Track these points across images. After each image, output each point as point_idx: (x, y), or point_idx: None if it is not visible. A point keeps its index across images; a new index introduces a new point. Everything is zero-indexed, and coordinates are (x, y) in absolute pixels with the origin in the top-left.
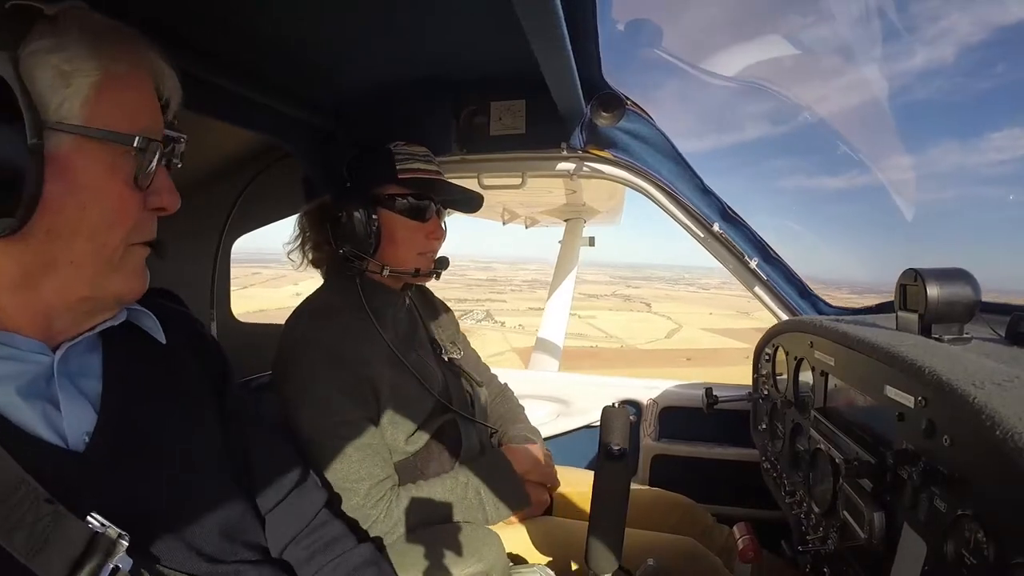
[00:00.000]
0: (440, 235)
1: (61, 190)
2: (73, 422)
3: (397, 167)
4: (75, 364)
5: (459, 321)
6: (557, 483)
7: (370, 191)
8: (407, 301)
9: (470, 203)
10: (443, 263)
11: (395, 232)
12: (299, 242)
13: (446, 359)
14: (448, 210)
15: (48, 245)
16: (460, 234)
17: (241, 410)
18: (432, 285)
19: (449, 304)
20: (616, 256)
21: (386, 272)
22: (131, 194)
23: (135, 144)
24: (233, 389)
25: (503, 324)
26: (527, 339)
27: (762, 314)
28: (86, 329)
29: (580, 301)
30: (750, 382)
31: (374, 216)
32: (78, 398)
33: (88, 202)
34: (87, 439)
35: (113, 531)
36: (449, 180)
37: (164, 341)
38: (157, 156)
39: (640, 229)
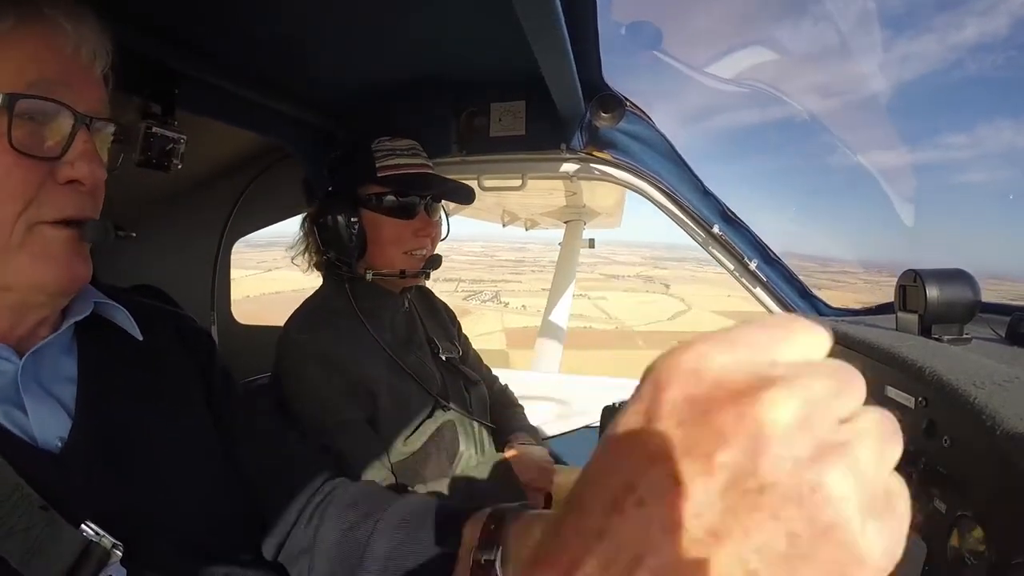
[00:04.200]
0: (430, 232)
1: None
2: (44, 428)
3: (377, 164)
4: (47, 368)
5: (465, 302)
6: (551, 485)
7: (351, 193)
8: (406, 304)
9: (462, 195)
10: (433, 262)
11: (380, 233)
12: (304, 246)
13: (443, 359)
14: (455, 204)
15: None
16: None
17: (229, 397)
18: (455, 265)
19: (465, 286)
20: (654, 236)
21: (369, 276)
22: (16, 162)
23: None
24: (219, 377)
25: (506, 305)
26: (526, 319)
27: None
28: (49, 330)
29: (598, 282)
30: None
31: (353, 219)
32: (49, 403)
33: None
34: (60, 444)
35: (107, 540)
36: (435, 172)
37: (140, 337)
38: (51, 117)
39: None
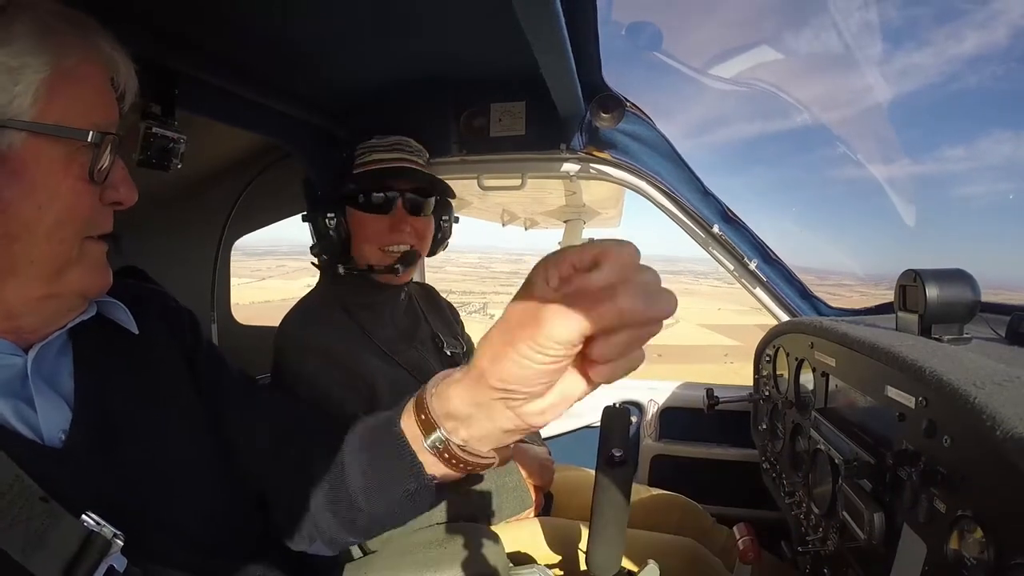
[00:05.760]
0: (404, 228)
1: (17, 191)
2: (49, 421)
3: (356, 161)
4: (49, 363)
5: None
6: (551, 484)
7: (336, 191)
8: (403, 296)
9: (437, 189)
10: (406, 258)
11: (358, 229)
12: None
13: (448, 353)
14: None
15: (8, 248)
16: (497, 227)
17: (219, 377)
18: (448, 276)
19: (455, 297)
20: (654, 249)
21: (340, 270)
22: (86, 189)
23: (89, 139)
24: (206, 357)
25: (492, 317)
26: None
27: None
28: (57, 327)
29: None
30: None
31: (331, 217)
32: (53, 397)
33: (45, 201)
34: (63, 436)
35: (108, 530)
36: (419, 168)
37: (136, 331)
38: (110, 149)
39: None
